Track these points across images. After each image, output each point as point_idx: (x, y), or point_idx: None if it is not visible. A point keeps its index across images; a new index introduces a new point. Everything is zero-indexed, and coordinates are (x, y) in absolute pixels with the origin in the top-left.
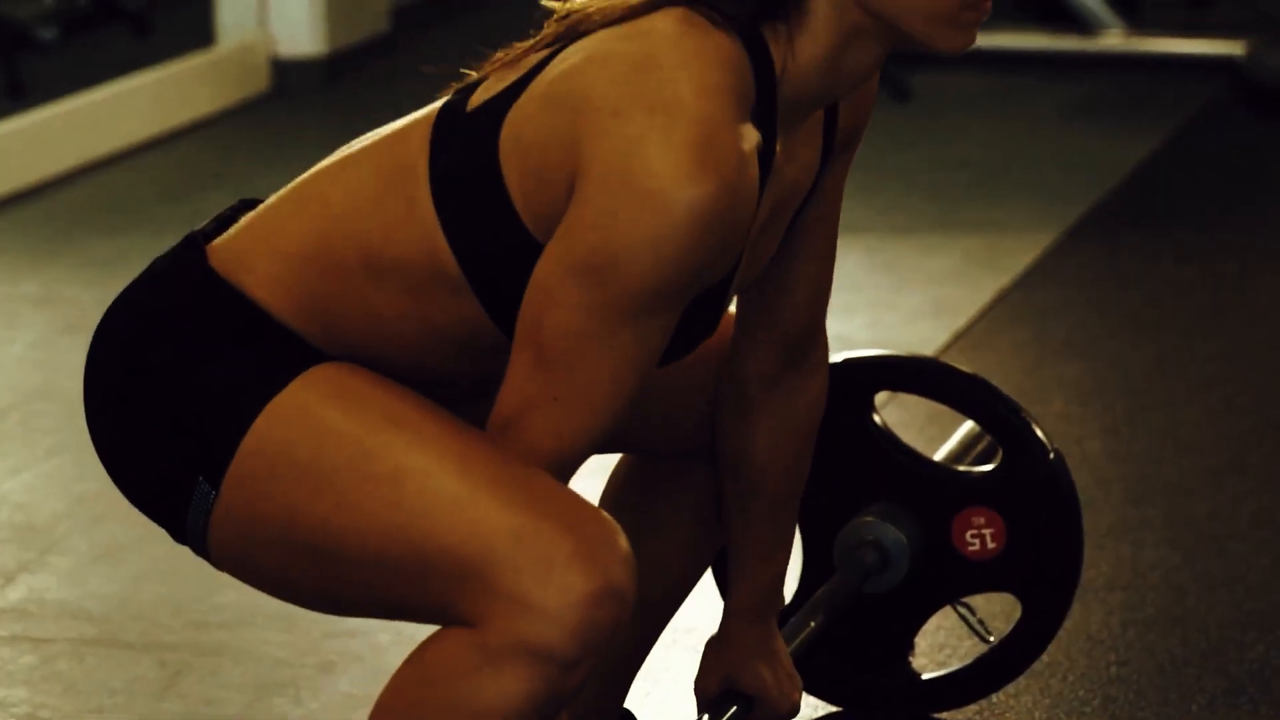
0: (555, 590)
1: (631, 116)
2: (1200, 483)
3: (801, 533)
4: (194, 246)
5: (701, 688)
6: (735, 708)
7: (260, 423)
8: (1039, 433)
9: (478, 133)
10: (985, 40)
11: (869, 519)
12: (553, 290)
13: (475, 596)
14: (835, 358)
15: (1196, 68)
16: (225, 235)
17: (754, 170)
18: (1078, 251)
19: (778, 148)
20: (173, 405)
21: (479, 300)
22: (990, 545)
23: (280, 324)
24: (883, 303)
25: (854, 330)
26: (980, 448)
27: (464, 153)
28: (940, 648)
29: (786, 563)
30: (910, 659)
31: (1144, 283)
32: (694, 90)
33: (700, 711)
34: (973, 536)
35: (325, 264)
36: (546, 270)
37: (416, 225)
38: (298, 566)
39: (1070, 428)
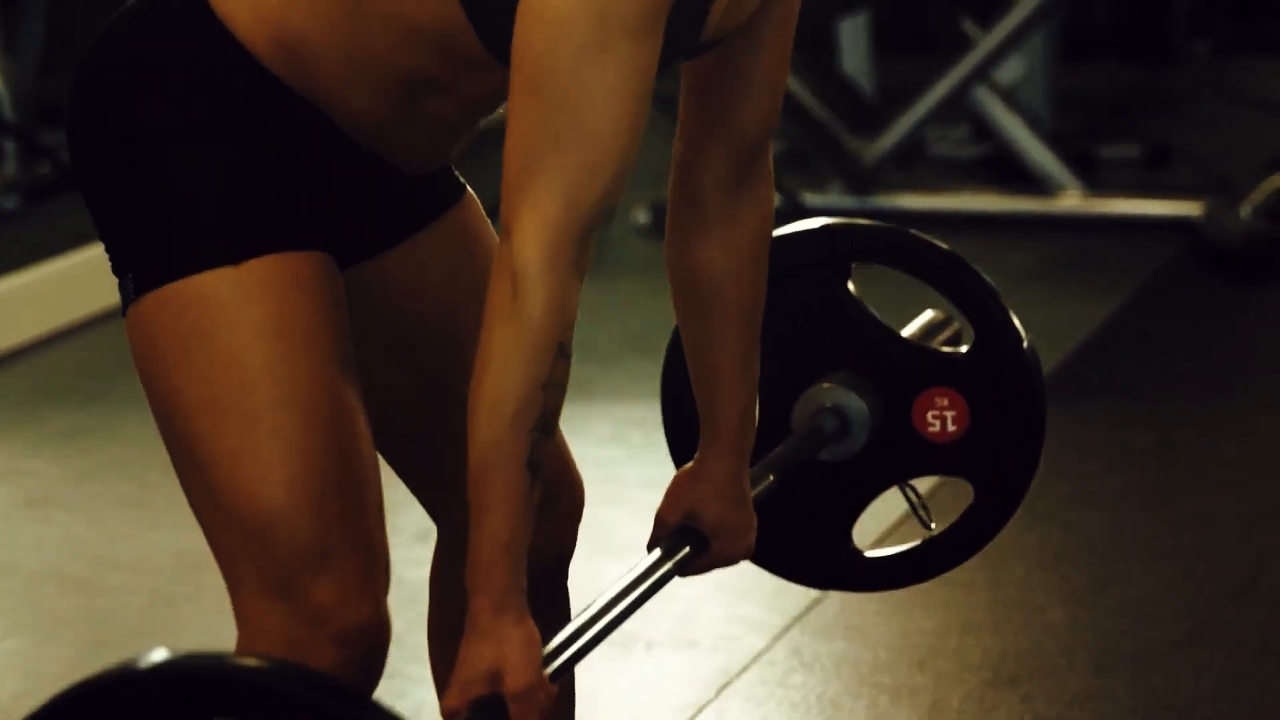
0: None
1: None
2: (1161, 654)
3: (761, 395)
4: None
5: (661, 518)
6: (689, 548)
7: (186, 284)
8: (1014, 320)
9: None
10: (943, 203)
11: (832, 386)
12: (539, 7)
13: (244, 569)
14: (814, 223)
15: (1154, 229)
16: None
17: None
18: None
19: None
20: (135, 190)
21: (463, 8)
22: (950, 428)
23: (257, 63)
24: None
25: None
26: (950, 332)
27: None
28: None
29: (756, 388)
30: (853, 535)
31: (1103, 450)
32: None
33: (651, 545)
34: (934, 417)
35: None
36: None
37: None
38: (156, 414)
39: (1032, 595)
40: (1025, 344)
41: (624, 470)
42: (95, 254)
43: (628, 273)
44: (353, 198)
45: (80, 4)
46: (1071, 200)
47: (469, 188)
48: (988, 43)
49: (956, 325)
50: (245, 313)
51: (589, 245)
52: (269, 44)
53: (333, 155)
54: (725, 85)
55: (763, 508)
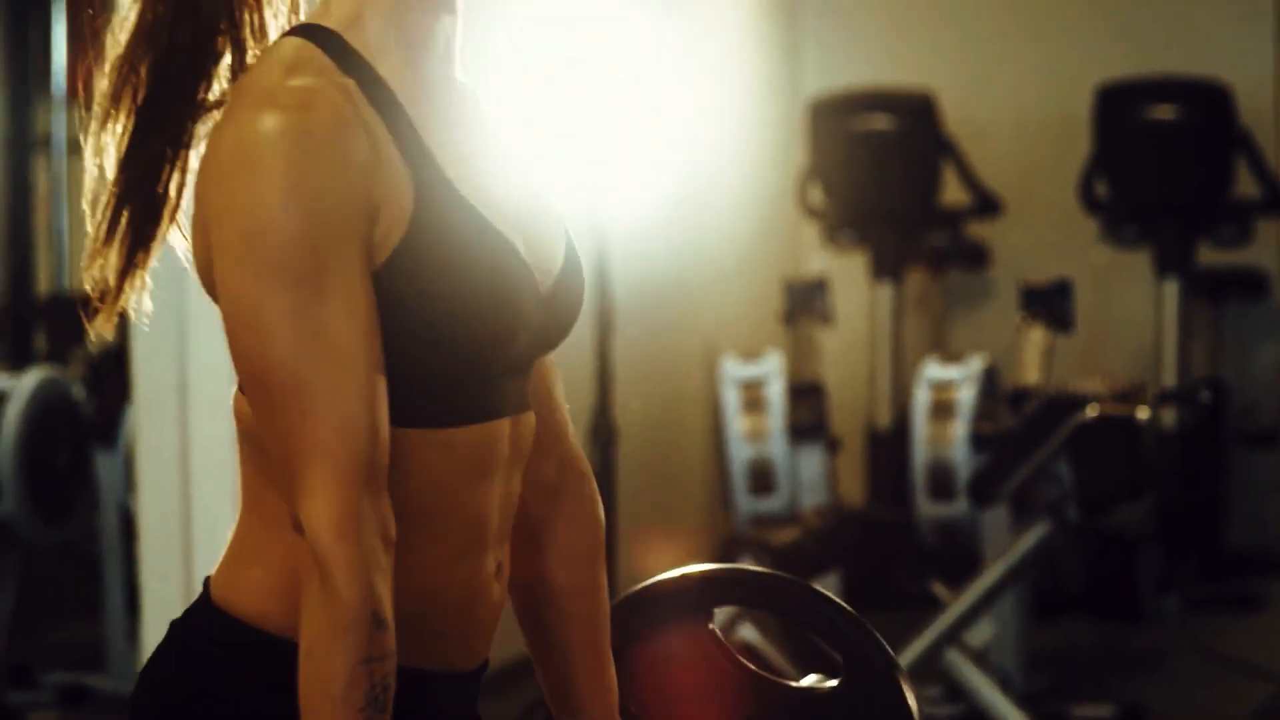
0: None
1: (220, 131)
2: None
3: None
4: (205, 585)
5: None
6: None
7: None
8: (882, 643)
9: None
10: None
11: None
12: (233, 315)
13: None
14: (674, 572)
15: None
16: (220, 562)
17: (322, 92)
18: None
19: (388, 75)
20: None
21: None
22: None
23: (270, 636)
24: None
25: None
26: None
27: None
28: None
29: (614, 697)
30: None
31: None
32: (246, 86)
33: None
34: None
35: (275, 529)
36: (222, 307)
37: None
38: None
39: None
40: (894, 671)
41: None
42: None
43: None
44: None
45: (50, 567)
46: None
47: None
48: (958, 605)
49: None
50: None
51: (380, 502)
52: (285, 615)
53: None
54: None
55: None
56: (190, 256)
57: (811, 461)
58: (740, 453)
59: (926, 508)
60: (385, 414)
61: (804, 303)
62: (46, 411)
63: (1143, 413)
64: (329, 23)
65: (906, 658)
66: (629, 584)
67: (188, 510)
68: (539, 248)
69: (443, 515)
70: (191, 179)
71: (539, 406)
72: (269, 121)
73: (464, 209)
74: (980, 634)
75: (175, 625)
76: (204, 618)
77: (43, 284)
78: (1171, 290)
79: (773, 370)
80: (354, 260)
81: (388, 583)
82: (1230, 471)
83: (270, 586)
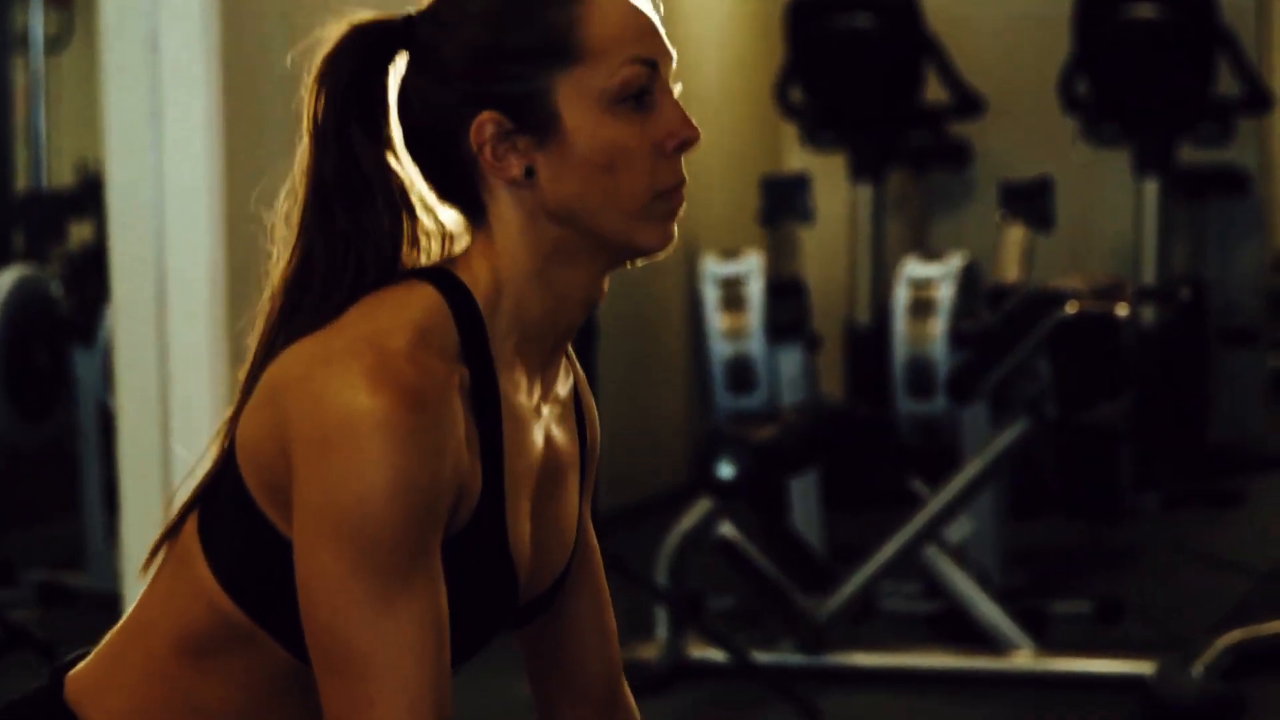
0: None
1: (315, 374)
2: None
3: None
4: (55, 676)
5: None
6: None
7: None
8: None
9: (221, 464)
10: (894, 660)
11: None
12: (311, 584)
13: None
14: None
15: (1106, 687)
16: (83, 663)
17: (439, 384)
18: None
19: (500, 376)
20: None
21: (278, 642)
22: None
23: None
24: None
25: None
26: None
27: (214, 489)
28: None
29: None
30: None
31: None
32: (369, 332)
33: None
34: None
35: (150, 672)
36: (298, 566)
37: (202, 591)
38: None
39: None
40: None
41: None
42: None
43: None
44: None
45: (29, 466)
46: (1023, 658)
47: None
48: (936, 502)
49: None
50: None
51: None
52: None
53: None
54: (562, 641)
55: None
56: (243, 437)
57: (791, 359)
58: (720, 351)
59: (906, 405)
60: (449, 697)
61: (784, 201)
62: (25, 310)
63: (1122, 310)
64: (470, 279)
65: (885, 554)
66: (608, 485)
67: (166, 408)
68: (541, 573)
69: None
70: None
71: (575, 642)
72: (383, 404)
73: (496, 531)
74: (959, 531)
75: (12, 712)
76: (52, 714)
77: (20, 182)
78: (1152, 189)
79: (752, 269)
80: (435, 550)
81: None
82: (1209, 369)
83: (122, 714)
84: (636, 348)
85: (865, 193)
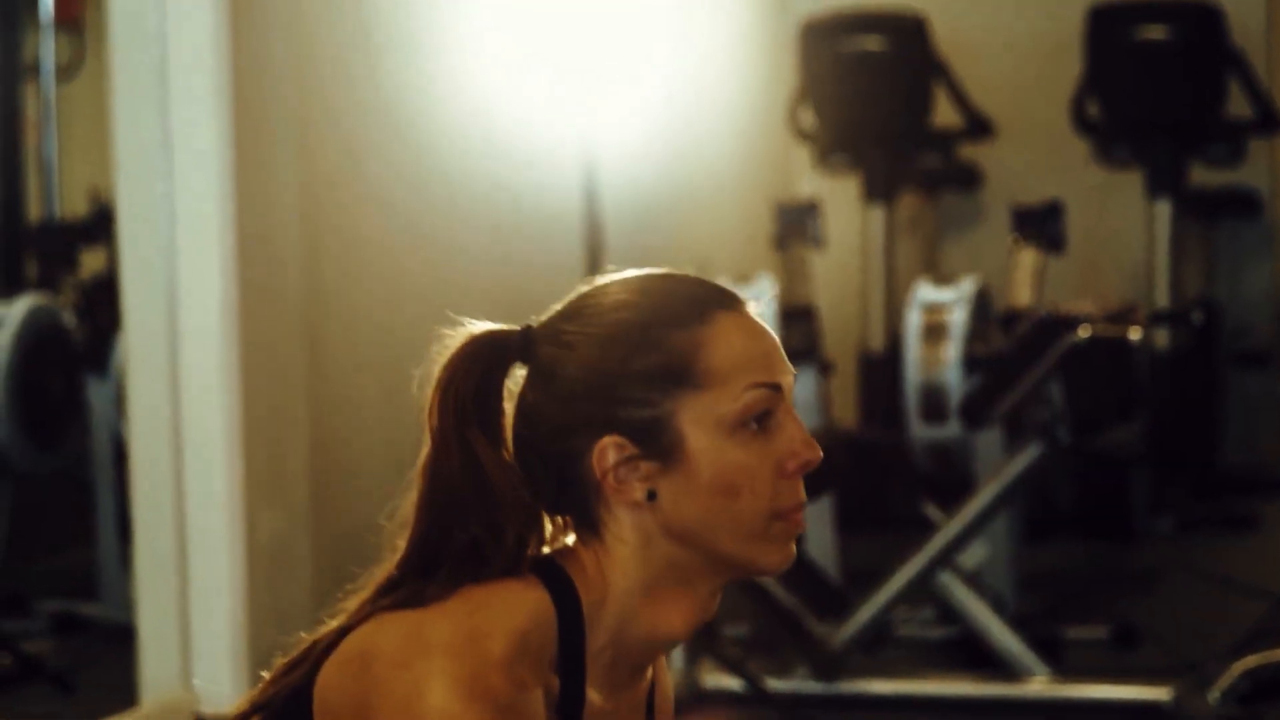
0: None
1: (411, 664)
2: None
3: None
4: None
5: None
6: None
7: None
8: None
9: (298, 691)
10: (910, 687)
11: None
12: None
13: None
14: None
15: (1123, 713)
16: None
17: (530, 700)
18: None
19: (591, 694)
20: None
21: None
22: None
23: None
24: None
25: None
26: None
27: (284, 713)
28: None
29: None
30: None
31: None
32: (471, 630)
33: None
34: None
35: None
36: None
37: None
38: None
39: None
40: None
41: None
42: None
43: None
44: None
45: (43, 495)
46: (1039, 685)
47: None
48: (951, 527)
49: None
50: None
51: None
52: None
53: None
54: None
55: None
56: (322, 693)
57: (804, 384)
58: None
59: (919, 430)
60: None
61: (795, 226)
62: (38, 339)
63: (1135, 333)
64: (581, 580)
65: (900, 580)
66: None
67: (178, 437)
68: None
69: None
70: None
71: None
72: (473, 713)
73: None
74: (973, 556)
75: None
76: None
77: (33, 211)
78: (1164, 210)
79: (764, 293)
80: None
81: None
82: (1223, 392)
83: None
84: None
85: (877, 216)
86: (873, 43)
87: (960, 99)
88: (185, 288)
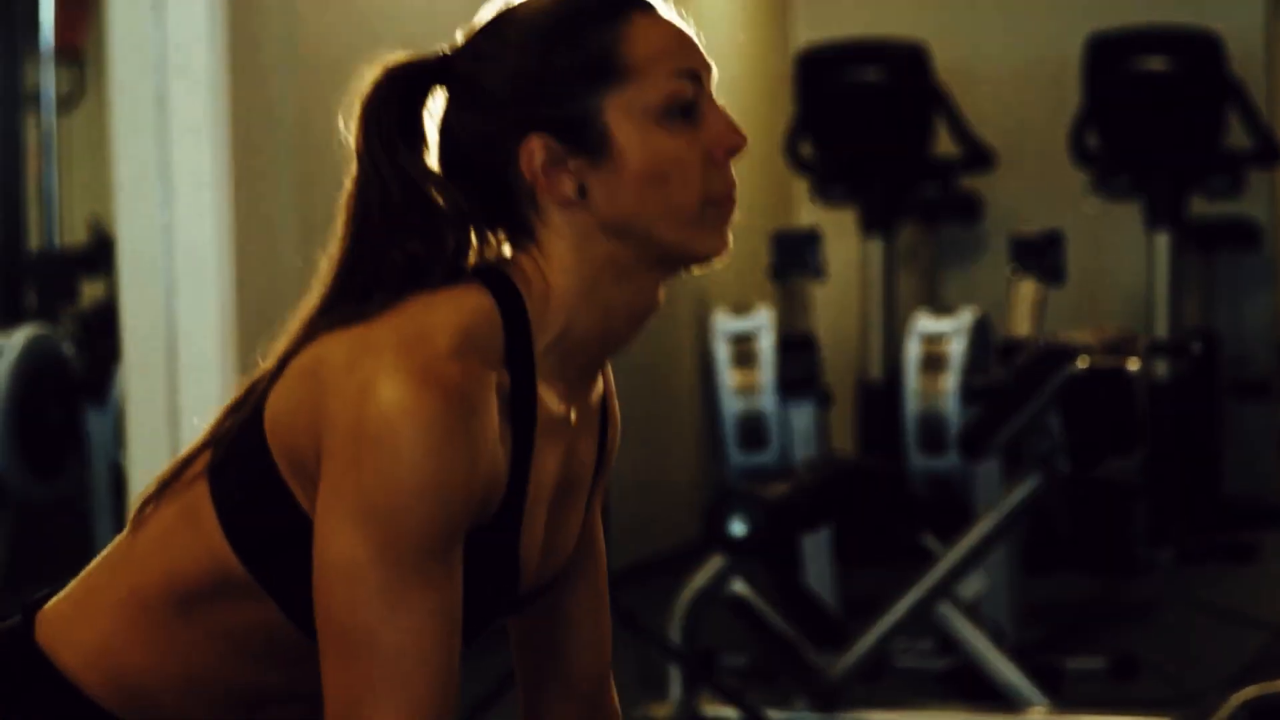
0: None
1: (360, 364)
2: None
3: None
4: (26, 613)
5: None
6: None
7: None
8: None
9: (246, 424)
10: (907, 717)
11: None
12: (330, 566)
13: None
14: None
15: None
16: (54, 600)
17: (481, 388)
18: None
19: (543, 393)
20: None
21: (275, 602)
22: None
23: (90, 702)
24: None
25: None
26: None
27: (234, 448)
28: None
29: None
30: None
31: None
32: (416, 329)
33: None
34: None
35: (131, 610)
36: (319, 546)
37: (204, 539)
38: None
39: None
40: None
41: None
42: None
43: None
44: None
45: (41, 524)
46: (1038, 716)
47: None
48: (949, 558)
49: None
50: None
51: None
52: (103, 685)
53: None
54: (556, 632)
55: None
56: (273, 415)
57: (803, 415)
58: (731, 407)
59: (918, 461)
60: (454, 690)
61: (794, 256)
62: (37, 369)
63: (1134, 364)
64: (524, 284)
65: (899, 610)
66: (620, 541)
67: None
68: (544, 573)
69: None
70: None
71: (569, 635)
72: (426, 406)
73: (510, 534)
74: (972, 587)
75: None
76: (20, 652)
77: (33, 241)
78: (1163, 241)
79: (763, 324)
80: (458, 548)
81: None
82: (1222, 422)
83: (92, 648)
84: (648, 404)
85: (876, 247)
86: (872, 73)
87: (960, 129)
88: (185, 318)
